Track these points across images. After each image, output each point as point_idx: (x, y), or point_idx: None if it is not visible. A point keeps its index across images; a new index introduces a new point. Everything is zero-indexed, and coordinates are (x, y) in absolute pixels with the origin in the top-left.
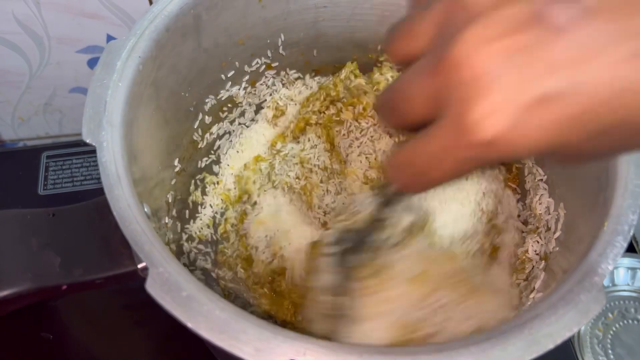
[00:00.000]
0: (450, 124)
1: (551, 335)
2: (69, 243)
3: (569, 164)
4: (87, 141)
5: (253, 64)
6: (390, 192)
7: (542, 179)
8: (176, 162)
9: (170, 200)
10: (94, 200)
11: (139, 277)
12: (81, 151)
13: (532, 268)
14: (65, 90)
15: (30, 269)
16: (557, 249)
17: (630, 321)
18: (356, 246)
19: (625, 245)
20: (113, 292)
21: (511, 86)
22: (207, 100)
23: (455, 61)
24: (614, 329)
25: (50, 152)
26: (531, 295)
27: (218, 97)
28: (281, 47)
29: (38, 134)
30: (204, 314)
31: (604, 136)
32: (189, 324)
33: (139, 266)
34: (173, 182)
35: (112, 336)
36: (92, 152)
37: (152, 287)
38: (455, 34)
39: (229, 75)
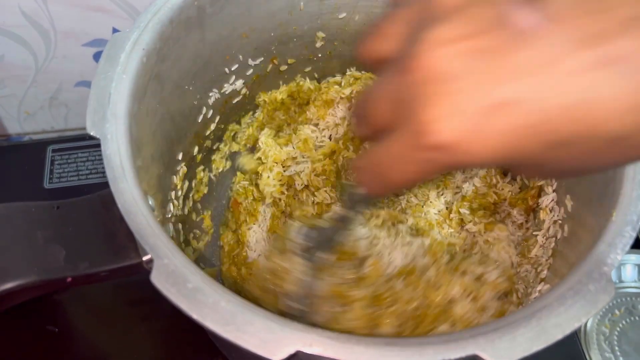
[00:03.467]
0: (408, 126)
1: (560, 325)
2: (74, 236)
3: (540, 178)
4: (92, 133)
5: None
6: (356, 193)
7: None
8: (180, 157)
9: (173, 194)
10: (98, 193)
11: (144, 270)
12: (87, 145)
13: (539, 260)
14: (71, 84)
15: (36, 262)
16: (565, 241)
17: (637, 318)
18: (322, 245)
19: (634, 235)
20: (118, 286)
21: (469, 90)
22: (211, 94)
23: (416, 62)
24: (620, 325)
25: (55, 146)
26: (538, 288)
27: (222, 91)
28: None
29: (44, 128)
30: (209, 306)
31: (564, 148)
32: (195, 316)
33: (144, 258)
34: (177, 175)
35: (117, 330)
36: (98, 145)
37: (158, 279)
38: (421, 34)
39: (232, 69)
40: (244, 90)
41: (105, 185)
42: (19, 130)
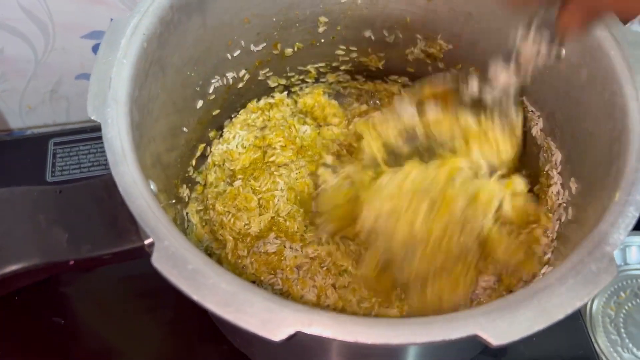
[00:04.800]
0: None
1: (561, 305)
2: (76, 220)
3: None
4: (92, 117)
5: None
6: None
7: (552, 153)
8: (183, 142)
9: (177, 180)
10: (101, 177)
11: (146, 254)
12: (88, 137)
13: (544, 242)
14: (71, 77)
15: (38, 245)
16: (569, 224)
17: None
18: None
19: (637, 215)
20: (124, 278)
21: None
22: (213, 81)
23: None
24: (626, 307)
25: (57, 139)
26: (542, 270)
27: (224, 77)
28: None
29: (45, 122)
30: (209, 287)
31: None
32: (195, 297)
33: (146, 242)
34: (180, 160)
35: (123, 321)
36: (99, 138)
37: (158, 261)
38: None
39: (235, 55)
40: (246, 77)
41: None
42: (20, 125)
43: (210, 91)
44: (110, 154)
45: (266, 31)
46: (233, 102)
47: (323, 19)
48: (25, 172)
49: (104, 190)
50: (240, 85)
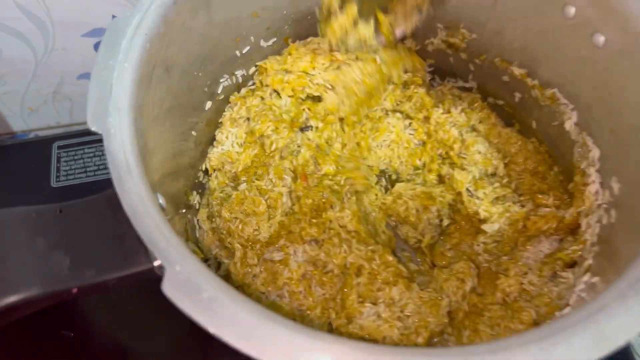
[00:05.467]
0: None
1: (621, 328)
2: (78, 241)
3: None
4: (93, 129)
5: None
6: None
7: (589, 149)
8: (192, 146)
9: (186, 188)
10: (104, 193)
11: (156, 275)
12: (93, 140)
13: (579, 249)
14: (73, 77)
15: (38, 273)
16: (612, 228)
17: None
18: None
19: None
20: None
21: None
22: (221, 80)
23: None
24: None
25: (61, 142)
26: (584, 279)
27: (233, 76)
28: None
29: (49, 124)
30: (227, 318)
31: None
32: (212, 330)
33: (155, 264)
34: (189, 167)
35: (136, 325)
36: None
37: (169, 289)
38: None
39: (244, 52)
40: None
41: None
42: (23, 127)
43: (219, 91)
44: (114, 168)
45: (276, 25)
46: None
47: None
48: (29, 178)
49: (108, 207)
50: (250, 83)
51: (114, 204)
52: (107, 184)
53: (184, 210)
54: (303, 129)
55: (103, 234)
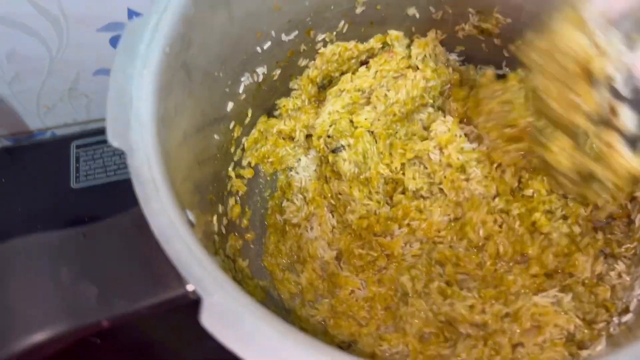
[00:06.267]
0: None
1: None
2: (105, 268)
3: None
4: (115, 145)
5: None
6: None
7: None
8: (215, 151)
9: (215, 198)
10: (129, 212)
11: (190, 300)
12: None
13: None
14: (89, 73)
15: (64, 306)
16: None
17: None
18: None
19: None
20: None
21: None
22: (242, 79)
23: None
24: None
25: (79, 142)
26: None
27: (254, 74)
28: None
29: (66, 121)
30: (274, 350)
31: None
32: None
33: (189, 288)
34: (214, 174)
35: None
36: None
37: (209, 321)
38: None
39: (265, 48)
40: (278, 71)
41: None
42: (40, 126)
43: (241, 90)
44: (140, 188)
45: (298, 17)
46: (265, 99)
47: None
48: (48, 180)
49: (134, 227)
50: (274, 78)
51: (140, 224)
52: (127, 184)
53: (211, 223)
54: (335, 150)
55: (130, 258)
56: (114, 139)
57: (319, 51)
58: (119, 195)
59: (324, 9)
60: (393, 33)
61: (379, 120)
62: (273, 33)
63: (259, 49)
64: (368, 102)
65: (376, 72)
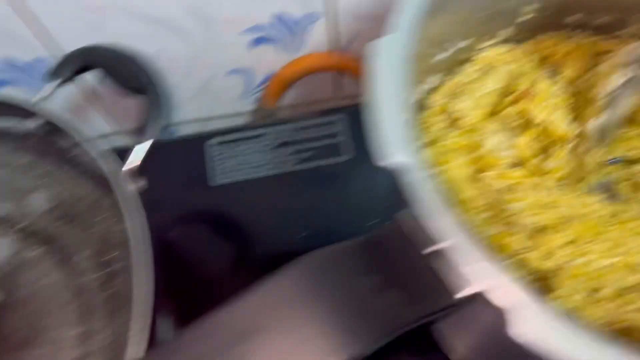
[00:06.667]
0: None
1: None
2: (399, 274)
3: None
4: (390, 164)
5: None
6: None
7: None
8: None
9: None
10: (397, 221)
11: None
12: (246, 137)
13: None
14: (223, 73)
15: (379, 318)
16: None
17: None
18: None
19: None
20: None
21: None
22: None
23: None
24: None
25: (213, 140)
26: None
27: None
28: None
29: (198, 118)
30: None
31: None
32: None
33: (458, 295)
34: None
35: None
36: (258, 136)
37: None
38: None
39: None
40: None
41: (274, 178)
42: (170, 122)
43: None
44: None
45: None
46: None
47: None
48: (184, 178)
49: (405, 235)
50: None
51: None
52: (266, 181)
53: None
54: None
55: (413, 261)
56: (388, 158)
57: None
58: (258, 193)
59: None
60: None
61: None
62: None
63: None
64: None
65: None
